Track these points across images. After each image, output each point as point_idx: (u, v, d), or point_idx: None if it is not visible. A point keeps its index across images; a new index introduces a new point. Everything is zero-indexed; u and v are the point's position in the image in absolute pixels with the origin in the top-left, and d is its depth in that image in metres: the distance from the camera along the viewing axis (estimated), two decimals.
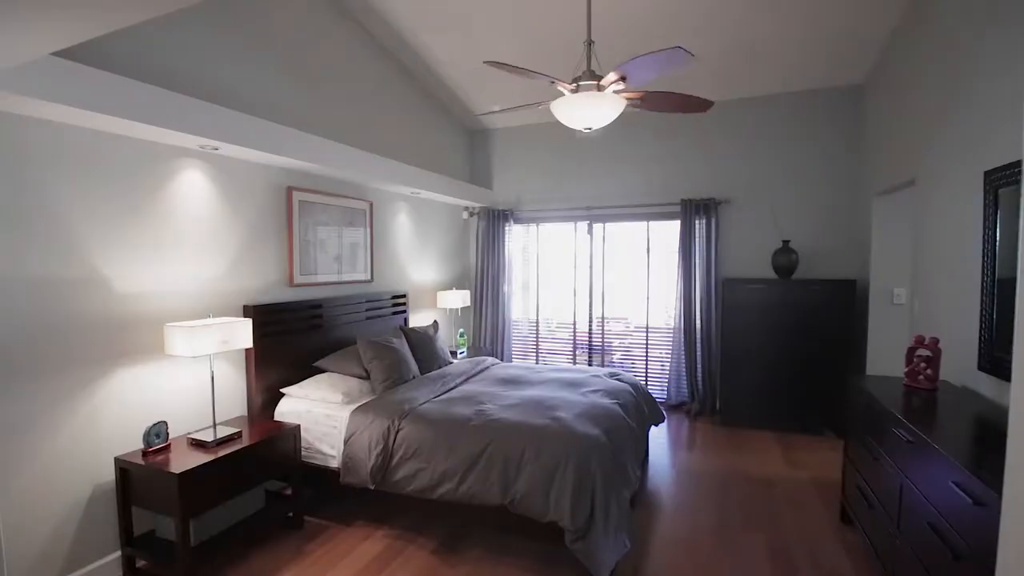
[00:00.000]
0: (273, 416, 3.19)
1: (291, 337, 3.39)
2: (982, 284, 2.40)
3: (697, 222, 4.90)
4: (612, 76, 2.54)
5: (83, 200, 2.36)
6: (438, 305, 5.24)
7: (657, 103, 2.74)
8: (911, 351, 2.69)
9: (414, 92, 4.92)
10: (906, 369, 2.69)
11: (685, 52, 2.20)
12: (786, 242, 4.52)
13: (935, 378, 2.58)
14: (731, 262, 4.93)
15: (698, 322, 4.95)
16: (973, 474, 1.56)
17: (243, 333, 2.69)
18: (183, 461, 2.40)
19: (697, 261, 4.91)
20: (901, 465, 2.15)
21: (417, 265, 5.05)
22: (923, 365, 2.62)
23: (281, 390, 3.24)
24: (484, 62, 2.69)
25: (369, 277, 4.27)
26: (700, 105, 2.76)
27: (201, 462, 2.39)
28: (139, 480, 2.43)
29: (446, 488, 2.56)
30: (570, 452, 2.42)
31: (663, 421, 3.76)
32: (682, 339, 5.00)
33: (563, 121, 2.79)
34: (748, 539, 2.83)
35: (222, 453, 2.51)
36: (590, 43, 2.81)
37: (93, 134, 2.39)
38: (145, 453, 2.46)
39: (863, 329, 4.23)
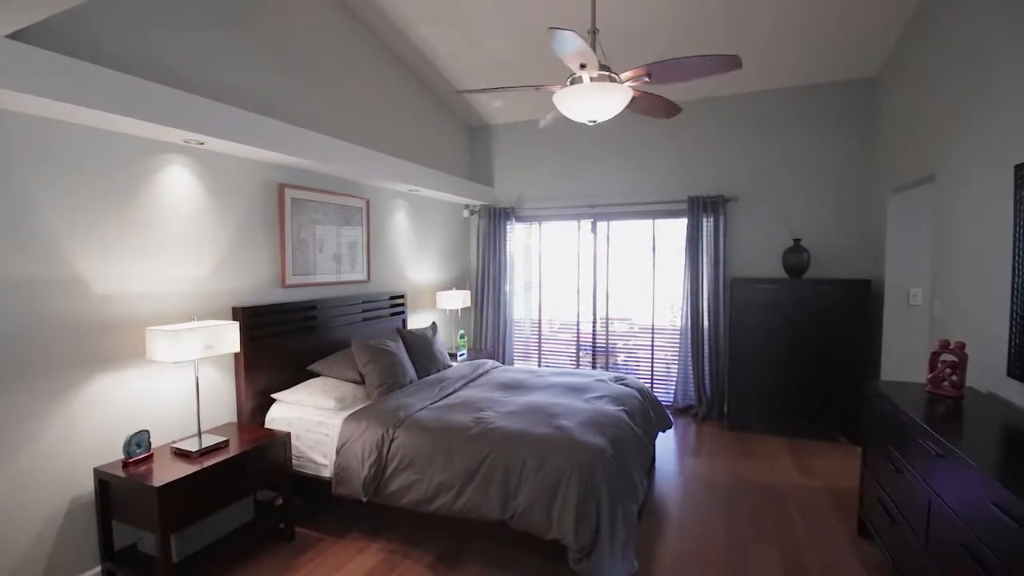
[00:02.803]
0: (264, 423, 3.06)
1: (283, 340, 3.26)
2: (1012, 284, 2.25)
3: (705, 220, 4.74)
4: (631, 72, 2.40)
5: (60, 197, 2.23)
6: (438, 306, 5.10)
7: (668, 74, 2.48)
8: (935, 356, 2.55)
9: (412, 86, 4.79)
10: (929, 375, 2.54)
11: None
12: (797, 241, 4.37)
13: (961, 385, 2.44)
14: (740, 261, 4.78)
15: (705, 323, 4.80)
16: (1018, 495, 1.42)
17: (229, 337, 2.56)
18: (165, 472, 2.27)
19: (704, 260, 4.76)
20: (929, 479, 2.01)
21: (416, 265, 4.91)
22: (948, 371, 2.47)
23: (272, 395, 3.11)
24: (457, 92, 2.57)
25: (366, 277, 4.13)
26: (723, 64, 2.28)
27: (183, 474, 2.26)
28: (119, 492, 2.29)
29: (442, 501, 2.42)
30: (574, 464, 2.28)
31: (670, 427, 3.62)
32: (689, 341, 4.85)
33: (566, 113, 2.66)
34: (761, 552, 2.69)
35: (207, 463, 2.38)
36: (595, 32, 2.67)
37: (71, 128, 2.26)
38: (125, 464, 2.33)
39: (877, 331, 4.08)
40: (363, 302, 4.01)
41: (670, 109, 2.78)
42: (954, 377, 2.45)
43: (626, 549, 2.16)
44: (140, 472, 2.28)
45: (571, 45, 2.20)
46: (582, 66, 2.37)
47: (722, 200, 4.70)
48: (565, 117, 2.67)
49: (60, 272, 2.24)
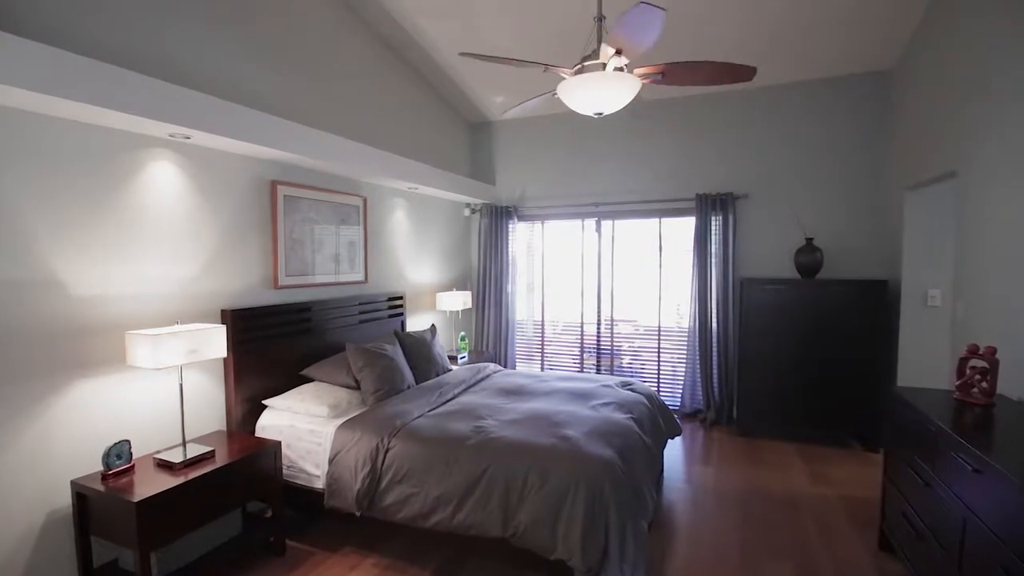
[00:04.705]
0: (254, 431, 2.92)
1: (276, 343, 3.12)
2: None
3: (713, 218, 4.60)
4: (608, 51, 2.26)
5: (36, 193, 2.10)
6: (438, 307, 4.96)
7: (683, 76, 2.40)
8: (963, 361, 2.40)
9: (411, 80, 4.65)
10: (958, 381, 2.39)
11: (652, 6, 1.87)
12: (809, 239, 4.22)
13: (992, 392, 2.28)
14: (750, 261, 4.63)
15: (714, 324, 4.65)
16: None
17: (216, 341, 2.43)
18: (146, 486, 2.13)
19: (713, 260, 4.62)
20: (963, 495, 1.86)
21: (415, 265, 4.78)
22: (977, 377, 2.32)
23: (263, 402, 2.97)
24: (460, 55, 2.50)
25: (363, 278, 4.00)
26: (738, 73, 2.30)
27: (165, 487, 2.12)
28: (97, 507, 2.16)
29: (440, 517, 2.28)
30: (580, 477, 2.14)
31: (679, 434, 3.47)
32: (696, 343, 4.70)
33: (572, 107, 2.53)
34: (776, 568, 2.54)
35: (192, 475, 2.24)
36: (601, 19, 2.54)
37: (46, 120, 2.13)
38: (104, 476, 2.20)
39: (893, 333, 3.93)
40: (360, 303, 3.87)
41: (737, 72, 2.33)
42: (984, 384, 2.30)
43: (636, 570, 2.02)
44: (120, 485, 2.15)
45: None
46: (618, 52, 2.22)
47: (731, 198, 4.55)
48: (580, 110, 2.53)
49: (35, 273, 2.11)
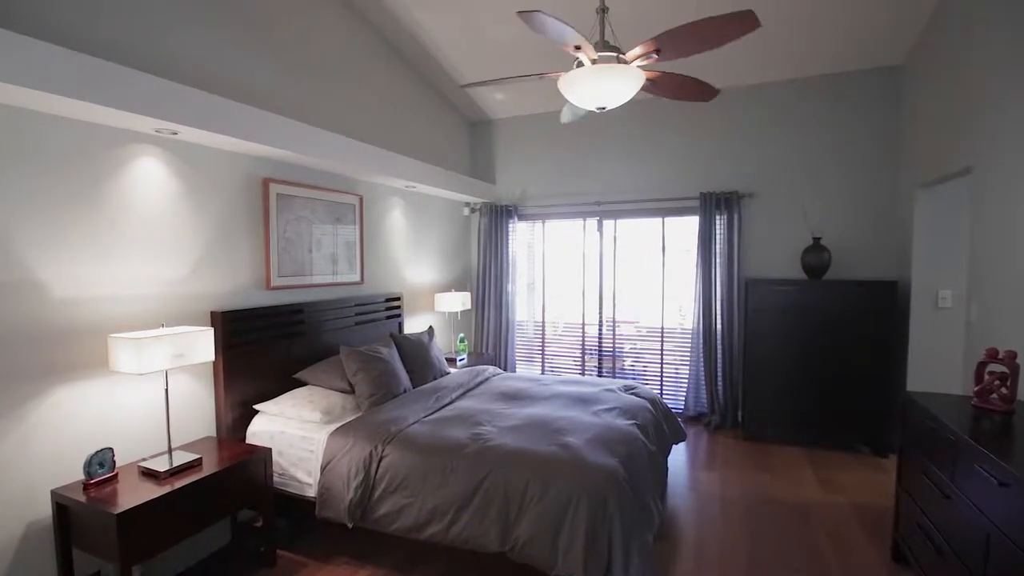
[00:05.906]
0: (245, 437, 2.83)
1: (268, 346, 3.03)
2: None
3: (718, 217, 4.50)
4: (641, 48, 2.17)
5: (13, 191, 2.01)
6: (436, 308, 4.87)
7: (666, 87, 2.37)
8: (982, 366, 2.29)
9: (409, 77, 4.55)
10: (976, 387, 2.29)
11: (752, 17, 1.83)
12: (817, 239, 4.12)
13: (1012, 398, 2.18)
14: (755, 261, 4.53)
15: (718, 326, 4.55)
16: None
17: (203, 344, 2.33)
18: (129, 496, 2.04)
19: (717, 260, 4.52)
20: (987, 508, 1.76)
21: (413, 265, 4.68)
22: (997, 383, 2.22)
23: (254, 406, 2.88)
24: (460, 87, 2.41)
25: (359, 278, 3.90)
26: (706, 93, 2.41)
27: (149, 498, 2.03)
28: (79, 517, 2.07)
29: (435, 529, 2.19)
30: (582, 488, 2.04)
31: (684, 439, 3.37)
32: (701, 345, 4.60)
33: (573, 100, 2.43)
34: None
35: (178, 484, 2.15)
36: (604, 10, 2.45)
37: (25, 114, 2.03)
38: (86, 486, 2.11)
39: (903, 335, 3.83)
40: (356, 305, 3.77)
41: (704, 91, 2.48)
42: (1004, 390, 2.20)
43: None
44: (102, 495, 2.06)
45: (549, 29, 2.00)
46: (576, 48, 2.15)
47: (736, 196, 4.45)
48: (585, 109, 2.46)
49: (15, 274, 2.02)
